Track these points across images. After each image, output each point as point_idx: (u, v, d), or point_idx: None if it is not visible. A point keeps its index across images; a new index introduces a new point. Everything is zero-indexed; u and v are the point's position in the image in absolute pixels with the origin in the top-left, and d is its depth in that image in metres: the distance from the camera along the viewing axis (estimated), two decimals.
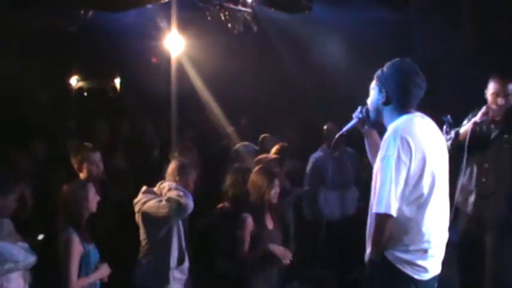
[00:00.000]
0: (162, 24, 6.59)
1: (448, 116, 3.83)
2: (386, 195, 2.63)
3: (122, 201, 4.61)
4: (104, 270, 3.76)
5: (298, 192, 6.04)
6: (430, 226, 2.78)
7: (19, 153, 5.35)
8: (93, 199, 3.74)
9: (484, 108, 4.24)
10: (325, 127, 6.43)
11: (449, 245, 2.99)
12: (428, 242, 2.78)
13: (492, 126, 4.30)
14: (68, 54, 10.72)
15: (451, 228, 3.00)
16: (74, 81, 13.92)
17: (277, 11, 6.78)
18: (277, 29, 8.01)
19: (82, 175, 4.47)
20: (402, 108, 2.87)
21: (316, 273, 5.99)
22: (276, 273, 4.35)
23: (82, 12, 5.70)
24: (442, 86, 6.57)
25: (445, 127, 3.81)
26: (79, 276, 3.55)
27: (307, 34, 8.40)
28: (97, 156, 4.58)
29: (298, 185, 6.16)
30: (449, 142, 4.21)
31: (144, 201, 4.08)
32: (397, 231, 2.73)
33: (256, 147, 5.98)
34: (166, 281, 4.06)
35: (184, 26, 6.43)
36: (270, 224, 4.32)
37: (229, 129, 7.15)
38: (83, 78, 14.14)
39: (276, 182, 4.30)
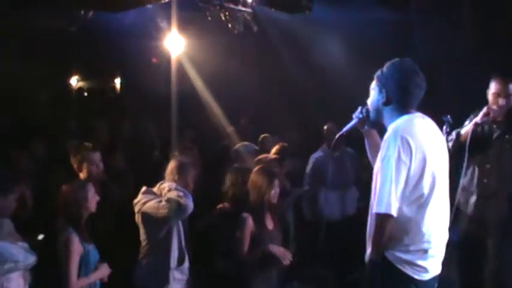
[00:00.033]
0: (162, 24, 6.60)
1: (448, 116, 3.82)
2: (386, 195, 2.63)
3: (122, 201, 4.61)
4: (104, 270, 3.75)
5: (299, 193, 6.04)
6: (430, 226, 2.77)
7: (19, 153, 5.34)
8: (92, 199, 3.74)
9: (485, 109, 4.24)
10: (325, 127, 6.43)
11: (450, 245, 2.99)
12: (429, 242, 2.78)
13: (494, 126, 4.29)
14: (68, 54, 10.72)
15: (451, 229, 3.00)
16: (74, 81, 13.92)
17: (278, 11, 6.78)
18: (277, 29, 8.01)
19: (82, 175, 4.46)
20: (402, 108, 2.86)
21: (316, 273, 5.99)
22: (275, 274, 4.34)
23: (82, 12, 5.71)
24: (442, 86, 6.56)
25: (445, 127, 3.80)
26: (79, 276, 3.55)
27: (308, 34, 8.40)
28: (97, 156, 4.57)
29: (298, 185, 6.15)
30: (451, 143, 4.21)
31: (144, 202, 4.08)
32: (397, 231, 2.73)
33: (256, 147, 5.97)
34: (167, 281, 4.05)
35: (185, 26, 6.43)
36: (270, 224, 4.31)
37: (230, 129, 7.15)
38: (83, 78, 14.14)
39: (276, 182, 4.30)
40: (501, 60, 6.00)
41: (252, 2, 6.09)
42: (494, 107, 4.22)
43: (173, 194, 3.97)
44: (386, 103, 2.89)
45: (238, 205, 4.40)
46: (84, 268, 3.60)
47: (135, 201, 4.15)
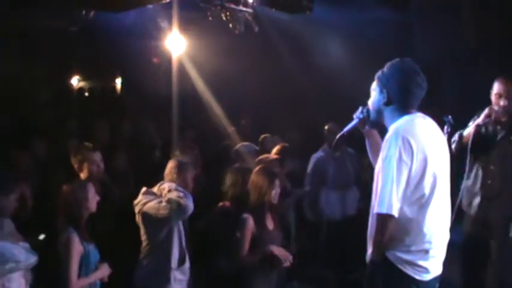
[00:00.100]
0: (163, 24, 6.59)
1: (449, 117, 3.81)
2: (387, 196, 2.63)
3: (123, 201, 4.61)
4: (104, 270, 3.75)
5: (299, 193, 6.04)
6: (432, 227, 2.77)
7: (19, 153, 5.34)
8: (92, 199, 3.74)
9: (486, 110, 4.21)
10: (326, 127, 6.43)
11: (451, 246, 2.99)
12: (430, 242, 2.78)
13: (498, 127, 4.27)
14: (69, 55, 10.73)
15: (452, 229, 3.00)
16: (75, 81, 13.92)
17: (278, 12, 6.78)
18: (278, 30, 8.01)
19: (82, 175, 4.46)
20: (403, 108, 2.87)
21: (317, 274, 5.99)
22: (276, 274, 4.34)
23: (83, 12, 5.70)
24: (442, 86, 6.57)
25: (446, 127, 3.80)
26: (79, 276, 3.55)
27: (308, 34, 8.40)
28: (97, 156, 4.57)
29: (299, 185, 6.15)
30: (454, 145, 4.20)
31: (144, 202, 4.07)
32: (398, 231, 2.73)
33: (257, 148, 5.97)
34: (167, 281, 4.05)
35: (185, 26, 6.43)
36: (270, 225, 4.31)
37: (230, 129, 7.15)
38: (84, 78, 14.13)
39: (277, 182, 4.29)
40: (500, 60, 6.01)
41: (252, 2, 6.09)
42: (496, 108, 4.20)
43: (173, 195, 3.97)
44: (387, 103, 2.89)
45: (238, 205, 4.40)
46: (85, 268, 3.60)
47: (136, 201, 4.15)
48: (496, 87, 4.23)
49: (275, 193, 4.27)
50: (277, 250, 4.16)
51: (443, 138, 3.02)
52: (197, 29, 6.96)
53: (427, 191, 2.73)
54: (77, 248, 3.55)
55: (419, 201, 2.73)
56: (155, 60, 11.48)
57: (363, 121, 3.08)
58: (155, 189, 4.19)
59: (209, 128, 7.82)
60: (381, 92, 2.91)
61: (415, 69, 2.88)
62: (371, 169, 3.03)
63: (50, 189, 4.42)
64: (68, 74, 13.06)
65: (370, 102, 3.01)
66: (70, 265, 3.49)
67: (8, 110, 7.40)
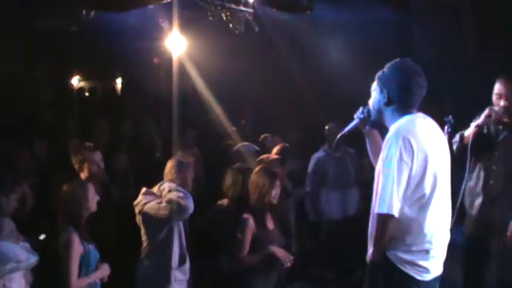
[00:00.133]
0: (164, 24, 6.58)
1: (450, 117, 3.81)
2: (388, 196, 2.63)
3: (123, 201, 4.61)
4: (104, 270, 3.75)
5: (300, 193, 6.04)
6: (432, 227, 2.77)
7: (20, 153, 5.34)
8: (92, 199, 3.74)
9: (486, 111, 4.19)
10: (326, 127, 6.43)
11: (452, 246, 2.99)
12: (430, 242, 2.78)
13: (500, 127, 4.25)
14: (69, 54, 10.71)
15: (454, 229, 3.00)
16: (75, 81, 13.91)
17: (279, 11, 6.78)
18: (278, 29, 8.01)
19: (83, 175, 4.46)
20: (404, 108, 2.87)
21: (317, 273, 6.00)
22: (276, 273, 4.34)
23: (84, 12, 5.71)
24: (442, 86, 6.57)
25: (446, 127, 3.79)
26: (79, 276, 3.55)
27: (309, 34, 8.40)
28: (98, 156, 4.57)
29: (300, 185, 6.16)
30: (455, 145, 4.19)
31: (144, 203, 4.07)
32: (399, 231, 2.73)
33: (257, 148, 5.97)
34: (168, 281, 4.05)
35: (186, 26, 6.42)
36: (270, 225, 4.30)
37: (231, 129, 7.15)
38: (84, 78, 14.11)
39: (277, 182, 4.29)
40: (501, 60, 6.00)
41: (253, 2, 6.08)
42: (496, 108, 4.19)
43: (173, 195, 3.97)
44: (387, 103, 2.89)
45: (238, 205, 4.40)
46: (85, 268, 3.60)
47: (136, 202, 4.15)
48: (497, 87, 4.21)
49: (275, 193, 4.27)
50: (278, 251, 4.16)
51: (444, 138, 3.02)
52: (197, 29, 6.95)
53: (427, 191, 2.73)
54: (77, 248, 3.55)
55: (419, 201, 2.73)
56: (155, 60, 11.48)
57: (363, 121, 3.09)
58: (155, 189, 4.18)
59: (209, 128, 7.82)
60: (381, 92, 2.91)
61: (416, 69, 2.88)
62: (371, 169, 3.03)
63: (50, 189, 4.41)
64: (68, 74, 13.04)
65: (371, 102, 3.02)
66: (70, 265, 3.48)
67: (8, 110, 7.39)
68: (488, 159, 4.27)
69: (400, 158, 2.64)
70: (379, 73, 2.95)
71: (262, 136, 6.52)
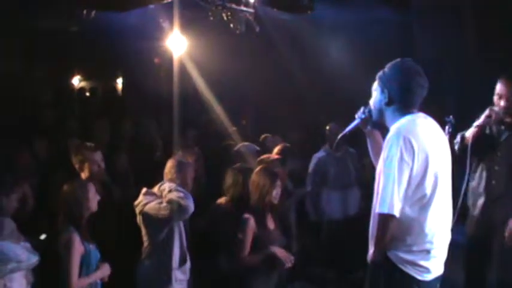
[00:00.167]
0: (164, 24, 6.58)
1: (451, 117, 3.80)
2: (389, 196, 2.63)
3: (124, 201, 4.61)
4: (105, 270, 3.75)
5: (301, 193, 6.04)
6: (433, 227, 2.77)
7: (20, 153, 5.34)
8: (93, 198, 3.73)
9: (487, 111, 4.19)
10: (327, 127, 6.44)
11: (453, 246, 2.99)
12: (431, 242, 2.77)
13: (502, 127, 4.24)
14: (70, 54, 10.71)
15: (455, 229, 3.00)
16: (76, 81, 13.91)
17: (280, 11, 6.78)
18: (279, 29, 8.01)
19: (83, 175, 4.46)
20: (405, 108, 2.86)
21: (318, 273, 6.00)
22: (277, 273, 4.34)
23: (84, 12, 5.71)
24: (442, 86, 6.56)
25: (447, 127, 3.79)
26: (80, 276, 3.54)
27: (309, 34, 8.40)
28: (98, 155, 4.57)
29: (300, 185, 6.16)
30: (456, 146, 4.18)
31: (145, 203, 4.07)
32: (399, 231, 2.73)
33: (258, 148, 5.97)
34: (168, 281, 4.05)
35: (187, 26, 6.42)
36: (271, 225, 4.30)
37: (231, 129, 7.15)
38: (84, 78, 14.12)
39: (278, 182, 4.28)
40: (501, 60, 6.00)
41: (254, 2, 6.08)
42: (496, 109, 4.18)
43: (174, 195, 3.97)
44: (388, 103, 2.88)
45: (239, 205, 4.40)
46: (85, 268, 3.60)
47: (136, 202, 4.14)
48: (498, 88, 4.19)
49: (276, 193, 4.26)
50: (279, 251, 4.15)
51: (445, 138, 3.02)
52: (198, 29, 6.95)
53: (428, 191, 2.72)
54: (78, 248, 3.54)
55: (420, 201, 2.73)
56: (156, 60, 11.47)
57: (364, 121, 3.09)
58: (155, 189, 4.18)
59: (210, 128, 7.82)
60: (382, 92, 2.90)
61: (416, 69, 2.88)
62: (372, 169, 3.03)
63: (51, 189, 4.41)
64: (69, 73, 13.05)
65: (372, 102, 3.01)
66: (70, 265, 3.48)
67: (8, 110, 7.39)
68: (490, 160, 4.26)
69: (401, 158, 2.64)
70: (380, 73, 2.95)
71: (263, 136, 6.52)
